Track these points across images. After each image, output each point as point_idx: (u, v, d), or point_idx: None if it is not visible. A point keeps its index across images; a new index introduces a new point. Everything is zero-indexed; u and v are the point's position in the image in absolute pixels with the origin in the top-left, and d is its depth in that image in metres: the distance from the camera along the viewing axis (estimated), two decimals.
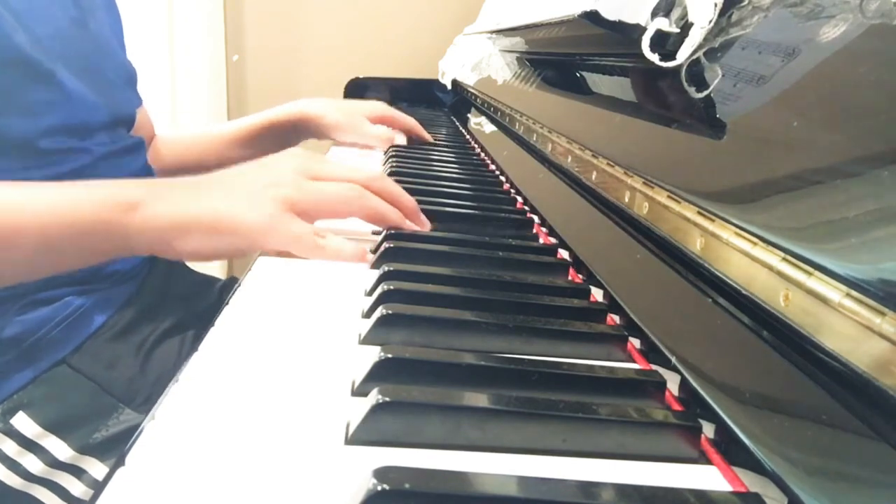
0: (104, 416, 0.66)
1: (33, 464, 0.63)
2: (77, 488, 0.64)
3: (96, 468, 0.65)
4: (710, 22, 0.45)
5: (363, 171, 0.56)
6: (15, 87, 0.62)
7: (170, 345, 0.74)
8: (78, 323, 0.69)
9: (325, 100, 1.04)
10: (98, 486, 0.26)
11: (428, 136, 1.10)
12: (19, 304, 0.66)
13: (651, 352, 0.41)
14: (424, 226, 0.58)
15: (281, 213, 0.50)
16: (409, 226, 0.56)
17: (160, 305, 0.78)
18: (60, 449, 0.64)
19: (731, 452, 0.31)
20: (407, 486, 0.24)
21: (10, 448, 0.63)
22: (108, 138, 0.74)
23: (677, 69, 0.47)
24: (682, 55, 0.46)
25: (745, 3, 0.45)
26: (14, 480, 0.63)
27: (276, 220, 0.50)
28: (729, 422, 0.30)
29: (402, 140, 1.04)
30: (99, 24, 0.74)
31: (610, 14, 0.55)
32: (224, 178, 0.54)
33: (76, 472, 0.64)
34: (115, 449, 0.65)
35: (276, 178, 0.52)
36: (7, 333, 0.65)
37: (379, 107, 1.06)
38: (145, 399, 0.68)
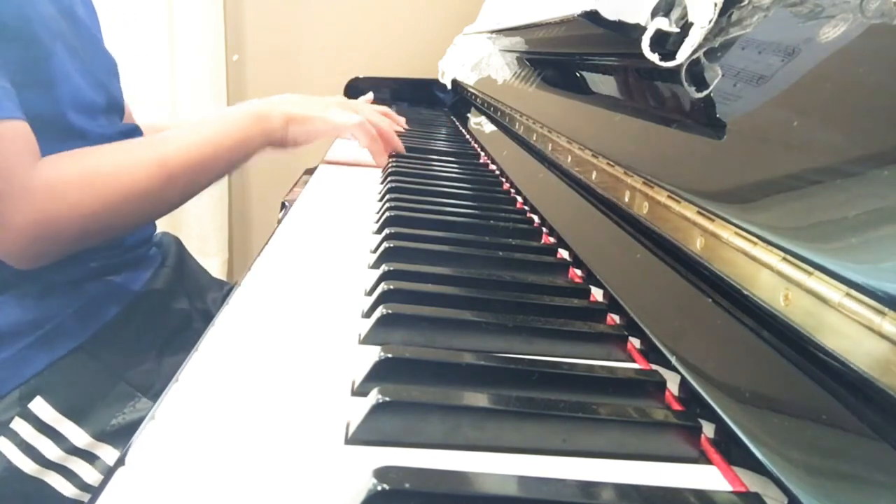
0: (121, 404, 0.67)
1: (49, 449, 0.64)
2: (91, 475, 0.65)
3: (111, 455, 0.65)
4: (710, 22, 0.45)
5: (369, 110, 0.96)
6: (30, 62, 0.63)
7: (186, 337, 0.75)
8: (95, 309, 0.70)
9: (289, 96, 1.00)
10: (100, 483, 0.26)
11: (399, 146, 0.99)
12: (38, 289, 0.66)
13: (651, 352, 0.40)
14: (399, 147, 0.96)
15: (335, 110, 0.88)
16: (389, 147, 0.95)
17: (174, 298, 0.78)
18: (77, 435, 0.64)
19: (731, 452, 0.31)
20: (407, 485, 0.24)
21: (27, 432, 0.63)
22: (106, 122, 0.74)
23: (677, 69, 0.47)
24: (682, 55, 0.46)
25: (745, 3, 0.45)
26: (28, 466, 0.63)
27: (333, 114, 0.88)
28: (729, 422, 0.30)
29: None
30: (84, 13, 0.76)
31: (610, 14, 0.55)
32: (301, 97, 0.89)
33: (90, 458, 0.65)
34: (130, 437, 0.65)
35: (325, 101, 0.89)
36: (26, 317, 0.66)
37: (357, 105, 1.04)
38: (162, 389, 0.68)
